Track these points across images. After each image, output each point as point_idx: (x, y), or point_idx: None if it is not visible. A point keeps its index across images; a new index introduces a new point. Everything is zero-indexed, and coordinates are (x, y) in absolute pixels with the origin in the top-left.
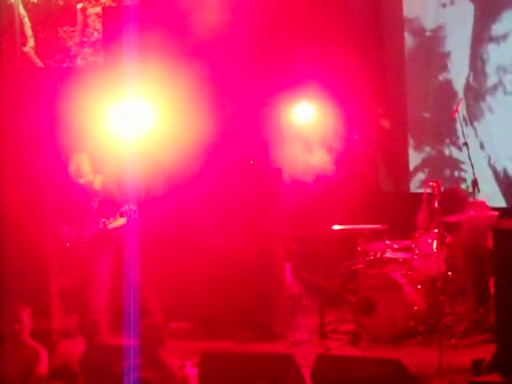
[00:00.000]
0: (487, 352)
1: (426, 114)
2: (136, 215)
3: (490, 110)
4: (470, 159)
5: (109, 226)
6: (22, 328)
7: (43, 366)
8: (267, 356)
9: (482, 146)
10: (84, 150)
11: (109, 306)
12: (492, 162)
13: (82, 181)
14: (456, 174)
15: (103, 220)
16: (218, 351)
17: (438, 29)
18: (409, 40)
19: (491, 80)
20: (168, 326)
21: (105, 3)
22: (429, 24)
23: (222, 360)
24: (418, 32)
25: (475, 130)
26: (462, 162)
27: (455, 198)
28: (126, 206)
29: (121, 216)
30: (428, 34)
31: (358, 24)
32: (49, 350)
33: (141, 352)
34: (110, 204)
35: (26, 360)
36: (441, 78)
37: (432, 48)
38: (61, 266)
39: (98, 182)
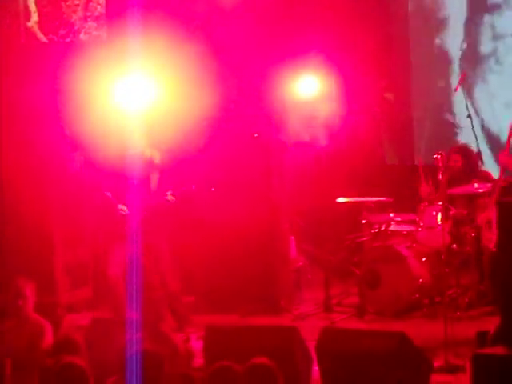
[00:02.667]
0: (492, 324)
1: (429, 86)
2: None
3: (483, 78)
4: (473, 132)
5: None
6: (25, 303)
7: (48, 340)
8: (272, 329)
9: (476, 113)
10: (90, 127)
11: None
12: (485, 128)
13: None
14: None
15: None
16: (222, 324)
17: None
18: (412, 4)
19: (485, 49)
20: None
21: None
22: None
23: (227, 333)
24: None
25: (470, 97)
26: (465, 132)
27: (470, 154)
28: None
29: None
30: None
31: None
32: (54, 324)
33: (144, 326)
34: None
35: (30, 334)
36: (440, 42)
37: (433, 15)
38: (69, 239)
39: (156, 158)
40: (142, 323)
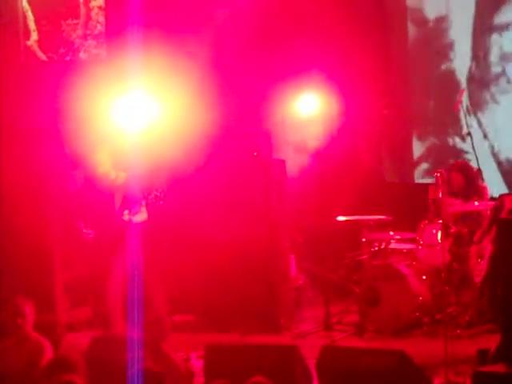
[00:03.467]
0: (492, 342)
1: (430, 104)
2: (162, 200)
3: (494, 99)
4: (473, 149)
5: (134, 219)
6: (24, 321)
7: (47, 359)
8: (272, 348)
9: (485, 136)
10: (89, 145)
11: (123, 298)
12: (495, 152)
13: (100, 171)
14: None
15: (127, 212)
16: (222, 343)
17: (441, 18)
18: (412, 30)
19: (494, 69)
20: (172, 319)
21: None
22: (431, 13)
23: (227, 352)
24: (421, 22)
25: (478, 119)
26: (466, 152)
27: (469, 172)
28: (152, 195)
29: (146, 205)
30: (431, 24)
31: (361, 14)
32: (53, 342)
33: (145, 345)
34: (133, 199)
35: (29, 353)
36: (444, 67)
37: (435, 38)
38: (68, 258)
39: (121, 179)
40: (142, 342)
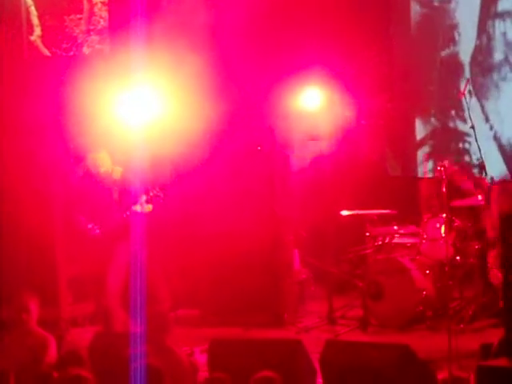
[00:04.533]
0: (496, 336)
1: (433, 90)
2: (162, 199)
3: (496, 86)
4: (477, 142)
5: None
6: (29, 317)
7: (51, 354)
8: (276, 342)
9: (487, 120)
10: (93, 141)
11: (124, 293)
12: (498, 136)
13: (101, 170)
14: (461, 146)
15: (128, 210)
16: (226, 337)
17: (445, 2)
18: (415, 13)
19: (497, 56)
20: (176, 313)
21: None
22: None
23: (231, 346)
24: (426, 3)
25: (481, 104)
26: (470, 143)
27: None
28: (151, 192)
29: (147, 203)
30: (436, 3)
31: (364, 7)
32: (57, 338)
33: (148, 339)
34: (130, 194)
35: (34, 348)
36: (447, 52)
37: (438, 22)
38: (71, 253)
39: (117, 173)
40: (146, 337)
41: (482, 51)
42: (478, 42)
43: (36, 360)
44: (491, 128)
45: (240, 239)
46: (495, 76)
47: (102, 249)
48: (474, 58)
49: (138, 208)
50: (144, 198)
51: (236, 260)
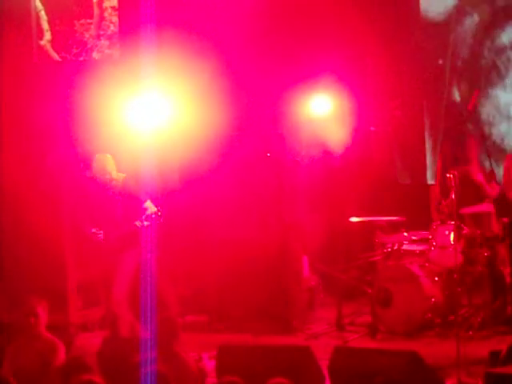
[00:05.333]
0: (504, 343)
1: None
2: (161, 218)
3: (484, 91)
4: (488, 154)
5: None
6: (37, 321)
7: (60, 359)
8: (285, 348)
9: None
10: (102, 146)
11: (130, 299)
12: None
13: (107, 177)
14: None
15: (138, 222)
16: (235, 344)
17: (453, 13)
18: (425, 28)
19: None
20: (185, 319)
21: None
22: (440, 16)
23: (240, 352)
24: (433, 22)
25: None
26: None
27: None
28: (149, 210)
29: (146, 220)
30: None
31: (374, 14)
32: (66, 343)
33: (156, 345)
34: (133, 202)
35: (42, 353)
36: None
37: (446, 36)
38: (80, 259)
39: (120, 180)
40: (155, 342)
41: (474, 56)
42: (470, 49)
43: (44, 365)
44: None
45: (249, 246)
46: (483, 81)
47: (110, 255)
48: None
49: (138, 224)
50: (149, 211)
51: (245, 266)
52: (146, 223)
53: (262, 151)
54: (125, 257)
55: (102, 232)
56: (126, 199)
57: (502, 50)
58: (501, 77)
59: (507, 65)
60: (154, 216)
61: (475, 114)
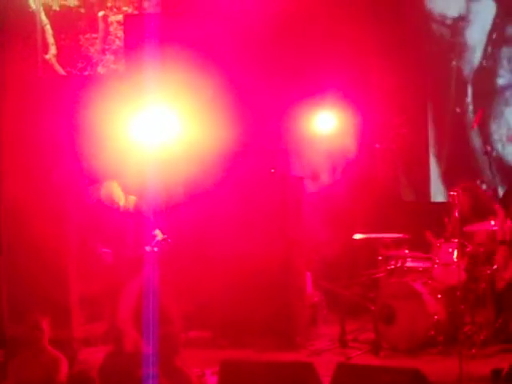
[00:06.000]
0: (507, 361)
1: (447, 121)
2: (168, 243)
3: (499, 110)
4: (490, 168)
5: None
6: (42, 335)
7: (63, 373)
8: (288, 364)
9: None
10: (107, 160)
11: (135, 315)
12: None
13: (115, 205)
14: (477, 182)
15: (148, 247)
16: (238, 359)
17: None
18: (432, 46)
19: (501, 81)
20: (188, 335)
21: (126, 11)
22: (448, 33)
23: (243, 368)
24: (441, 40)
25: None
26: (483, 170)
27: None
28: (158, 237)
29: (155, 246)
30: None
31: (380, 32)
32: (69, 357)
33: (158, 360)
34: (144, 225)
35: (46, 367)
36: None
37: (454, 54)
38: (84, 273)
39: (131, 203)
40: (157, 358)
41: (486, 73)
42: (481, 63)
43: (48, 379)
44: (497, 153)
45: (252, 261)
46: (497, 100)
47: (116, 268)
48: (475, 78)
49: (148, 249)
50: (160, 237)
51: (248, 282)
52: (155, 249)
53: (267, 167)
54: (133, 276)
55: (110, 252)
56: (137, 222)
57: None
58: None
59: None
60: (163, 242)
61: (484, 132)
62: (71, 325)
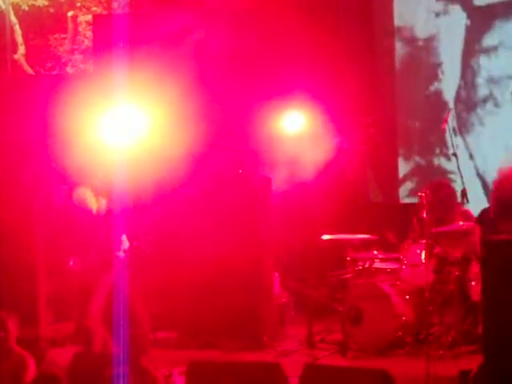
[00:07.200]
0: (475, 362)
1: (416, 124)
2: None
3: (480, 121)
4: (459, 170)
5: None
6: (7, 336)
7: (31, 374)
8: (255, 365)
9: (471, 157)
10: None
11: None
12: (481, 173)
13: (87, 210)
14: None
15: (121, 252)
16: (205, 360)
17: (430, 38)
18: (400, 49)
19: (482, 92)
20: (156, 335)
21: (95, 11)
22: (420, 33)
23: (210, 369)
24: (409, 41)
25: (465, 140)
26: (451, 172)
27: (444, 189)
28: (125, 244)
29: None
30: (419, 43)
31: (348, 33)
32: (37, 357)
33: (127, 360)
34: (114, 227)
35: (13, 368)
36: (431, 88)
37: (423, 58)
38: (52, 272)
39: (102, 205)
40: (126, 358)
41: (467, 87)
42: (462, 79)
43: (15, 379)
44: (475, 166)
45: (220, 262)
46: (479, 112)
47: (85, 268)
48: (458, 94)
49: (121, 254)
50: (127, 245)
51: (216, 283)
52: (122, 254)
53: (235, 168)
54: (104, 275)
55: (79, 262)
56: (107, 225)
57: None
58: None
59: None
60: (130, 249)
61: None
62: (39, 324)
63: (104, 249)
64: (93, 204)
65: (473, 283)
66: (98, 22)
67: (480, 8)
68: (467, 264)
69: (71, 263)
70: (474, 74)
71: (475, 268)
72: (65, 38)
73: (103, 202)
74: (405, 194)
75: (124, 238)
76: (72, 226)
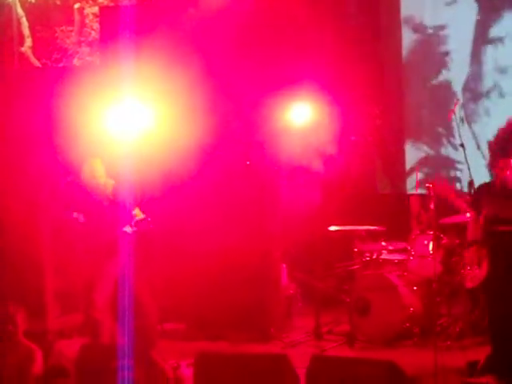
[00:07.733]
0: (482, 354)
1: (424, 115)
2: (150, 224)
3: (487, 111)
4: (466, 160)
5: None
6: (16, 329)
7: (38, 366)
8: (262, 356)
9: (478, 147)
10: (82, 152)
11: (111, 306)
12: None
13: (94, 182)
14: (452, 174)
15: (128, 227)
16: (213, 352)
17: (438, 28)
18: (407, 40)
19: (489, 81)
20: (163, 327)
21: (102, 3)
22: (428, 23)
23: (218, 360)
24: (417, 31)
25: (472, 130)
26: (459, 163)
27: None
28: (138, 217)
29: (135, 226)
30: (427, 33)
31: (355, 23)
32: (44, 350)
33: (134, 352)
34: (122, 208)
35: (20, 360)
36: (440, 77)
37: (431, 48)
38: (59, 265)
39: (109, 186)
40: (132, 350)
41: (475, 77)
42: (470, 69)
43: (22, 372)
44: (483, 155)
45: (228, 254)
46: (485, 102)
47: (92, 259)
48: (466, 84)
49: (128, 229)
50: (138, 217)
51: (223, 274)
52: (134, 228)
53: (242, 159)
54: (108, 263)
55: (82, 216)
56: (114, 205)
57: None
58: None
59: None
60: (142, 222)
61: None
62: (46, 316)
63: (110, 226)
64: (101, 176)
65: (468, 268)
66: (104, 13)
67: None
68: (462, 250)
69: (75, 215)
70: (482, 64)
71: (469, 252)
72: (71, 31)
73: (110, 184)
74: (412, 184)
75: (136, 211)
76: (79, 199)
